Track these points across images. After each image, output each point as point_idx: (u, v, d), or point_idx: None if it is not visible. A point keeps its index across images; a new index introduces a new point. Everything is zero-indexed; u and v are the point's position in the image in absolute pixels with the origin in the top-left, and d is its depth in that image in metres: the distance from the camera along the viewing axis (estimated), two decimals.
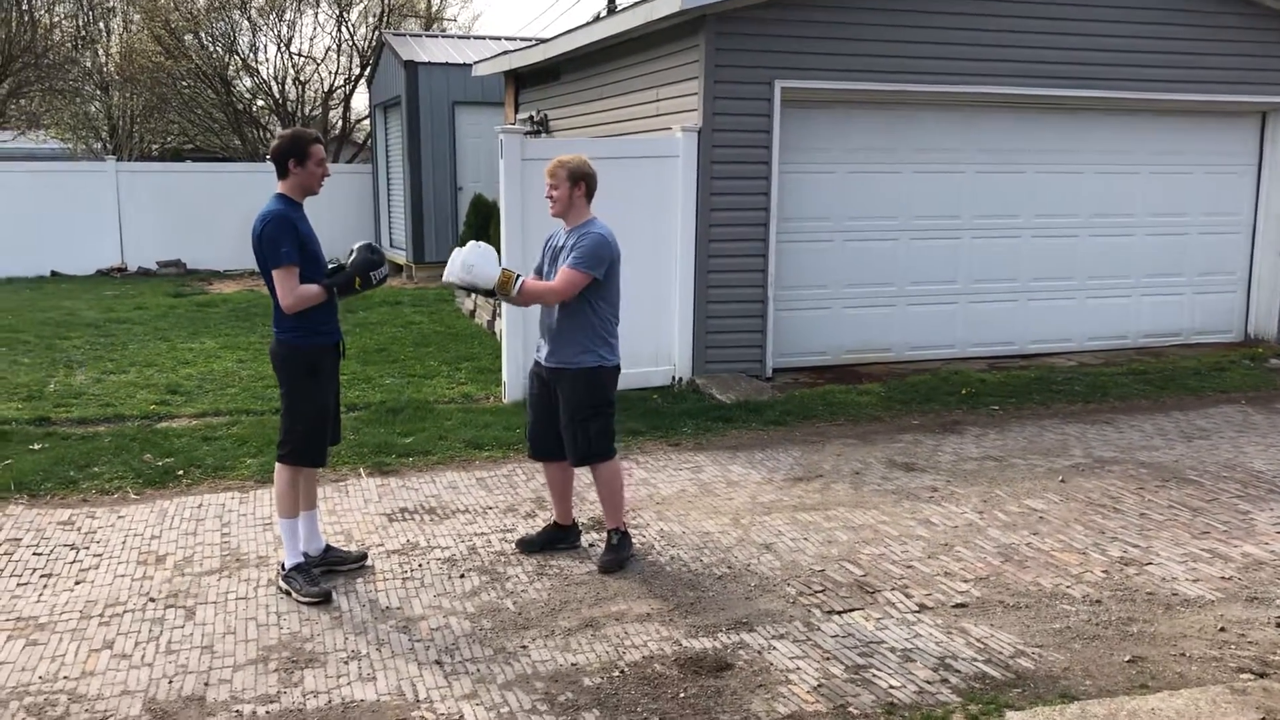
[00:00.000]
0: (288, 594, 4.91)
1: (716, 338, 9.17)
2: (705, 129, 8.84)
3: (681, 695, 4.05)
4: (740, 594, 5.00)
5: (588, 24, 10.79)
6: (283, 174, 4.88)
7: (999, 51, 9.53)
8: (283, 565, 5.02)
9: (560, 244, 5.27)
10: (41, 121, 24.74)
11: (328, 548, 5.26)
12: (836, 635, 4.57)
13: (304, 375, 4.92)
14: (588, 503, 6.21)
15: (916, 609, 4.84)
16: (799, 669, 4.26)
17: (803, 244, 9.62)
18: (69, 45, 24.91)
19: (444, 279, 5.12)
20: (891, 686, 4.12)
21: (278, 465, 5.01)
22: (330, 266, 5.00)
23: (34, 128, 25.14)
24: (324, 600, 4.85)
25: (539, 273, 5.37)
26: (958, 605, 4.87)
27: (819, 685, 4.13)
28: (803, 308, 9.72)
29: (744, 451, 7.36)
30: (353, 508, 6.19)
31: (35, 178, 18.11)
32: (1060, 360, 10.29)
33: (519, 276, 5.12)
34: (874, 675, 4.21)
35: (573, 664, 4.30)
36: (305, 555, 5.07)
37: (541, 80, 12.93)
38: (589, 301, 5.15)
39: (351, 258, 4.97)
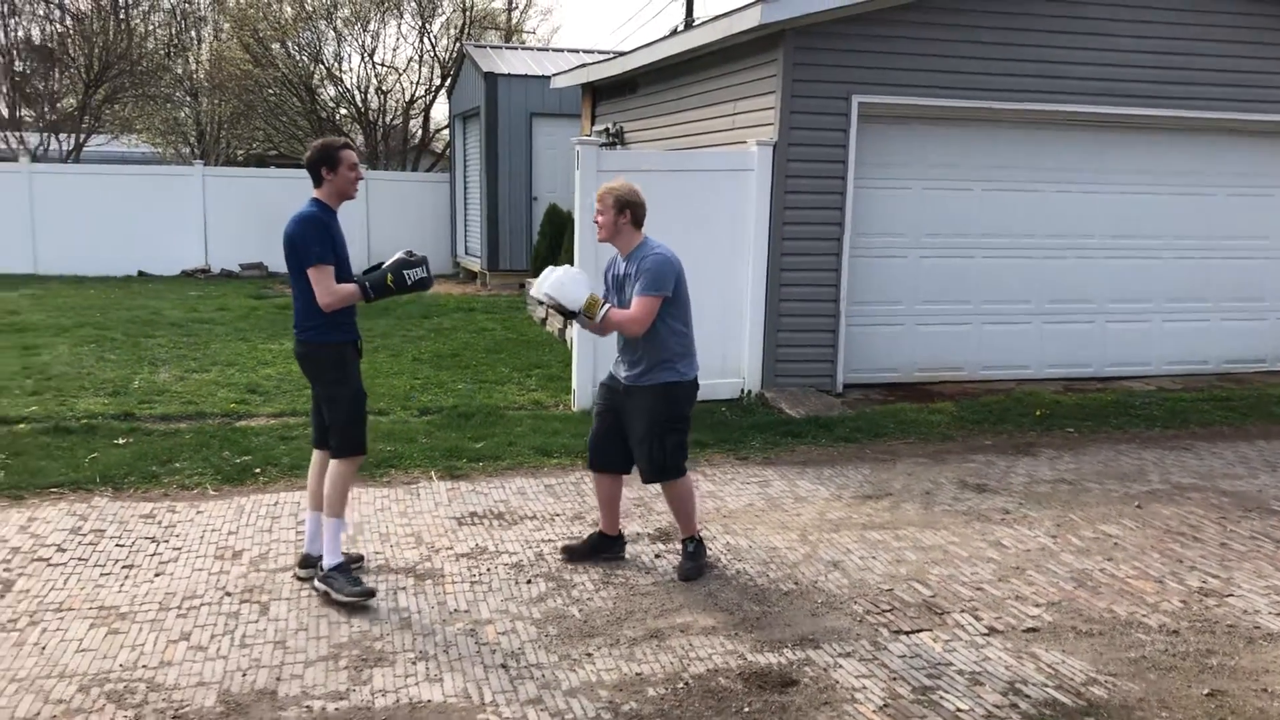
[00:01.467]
0: (326, 594, 4.92)
1: (787, 351, 9.14)
2: (781, 143, 8.83)
3: (746, 710, 4.04)
4: (807, 610, 4.97)
5: (665, 38, 10.86)
6: (318, 182, 4.96)
7: (1080, 69, 9.39)
8: (319, 567, 5.04)
9: (622, 272, 5.31)
10: (134, 126, 25.50)
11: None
12: (904, 655, 4.52)
13: (333, 368, 5.00)
14: (655, 513, 6.23)
15: (986, 632, 4.76)
16: (865, 688, 4.23)
17: (876, 259, 9.55)
18: (162, 53, 25.68)
19: (532, 292, 5.17)
20: (959, 710, 4.06)
21: (334, 463, 5.05)
22: (367, 268, 5.07)
23: (127, 132, 25.91)
24: (368, 598, 4.89)
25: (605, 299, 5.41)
26: (1028, 629, 4.79)
27: (885, 705, 4.09)
28: (875, 324, 9.64)
29: (813, 467, 7.32)
30: (423, 510, 6.27)
31: (127, 180, 18.69)
32: (1138, 384, 10.07)
33: (606, 304, 5.16)
34: (941, 697, 4.16)
35: (637, 674, 4.31)
36: (307, 555, 5.17)
37: (618, 93, 13.02)
38: (662, 319, 5.18)
39: (394, 257, 5.03)
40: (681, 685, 4.22)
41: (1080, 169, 9.96)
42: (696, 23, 11.32)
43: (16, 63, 24.04)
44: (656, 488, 5.63)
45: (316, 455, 5.23)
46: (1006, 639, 4.69)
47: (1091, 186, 10.03)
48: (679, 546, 5.51)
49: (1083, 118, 9.64)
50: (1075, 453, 7.82)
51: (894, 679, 4.31)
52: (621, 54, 12.48)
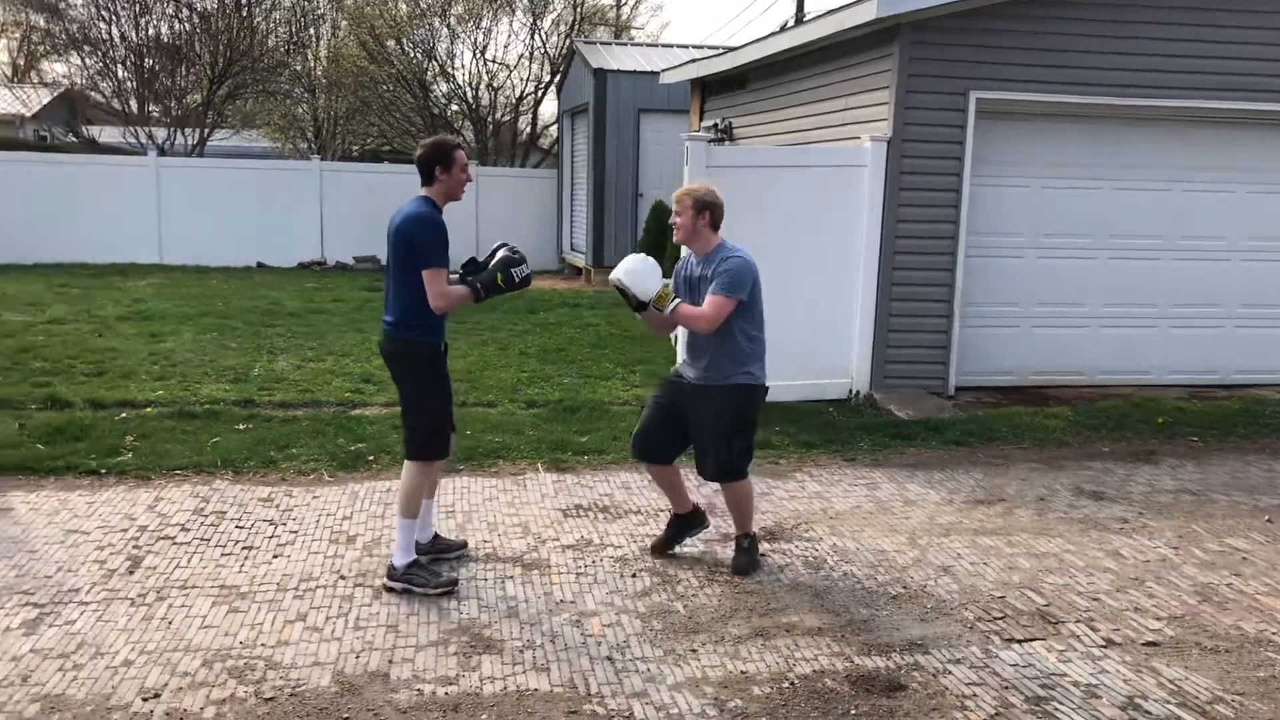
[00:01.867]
0: (407, 592, 4.90)
1: (897, 352, 8.99)
2: (895, 139, 8.69)
3: (853, 713, 3.98)
4: (915, 615, 4.88)
5: (776, 33, 10.78)
6: (428, 180, 4.92)
7: (1212, 64, 9.02)
8: (392, 567, 4.97)
9: (697, 273, 5.27)
10: (254, 121, 26.32)
11: (435, 536, 5.40)
12: (1016, 664, 4.41)
13: (428, 370, 4.98)
14: (759, 511, 6.19)
15: (1103, 644, 4.62)
16: (975, 695, 4.13)
17: (992, 259, 9.33)
18: (281, 50, 26.45)
19: (609, 276, 5.16)
20: None
21: (407, 464, 5.02)
22: (464, 263, 5.06)
23: (247, 127, 26.76)
24: (453, 587, 4.95)
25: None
26: (1148, 643, 4.63)
27: (996, 714, 4.00)
28: (989, 325, 9.41)
29: (922, 470, 7.19)
30: (530, 501, 6.34)
31: (247, 174, 19.29)
32: (1268, 392, 9.63)
33: (676, 298, 5.15)
34: (1055, 709, 4.04)
35: (742, 672, 4.29)
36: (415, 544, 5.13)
37: (727, 88, 12.96)
38: (736, 323, 5.15)
39: (496, 257, 5.01)
40: (787, 685, 4.18)
41: (1211, 167, 9.56)
42: (808, 18, 11.21)
43: (146, 60, 24.99)
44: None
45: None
46: (1125, 652, 4.54)
47: (1223, 185, 9.62)
48: (773, 545, 5.47)
49: (1214, 114, 9.26)
50: (1199, 462, 7.53)
51: (1006, 688, 4.20)
52: (731, 49, 12.43)
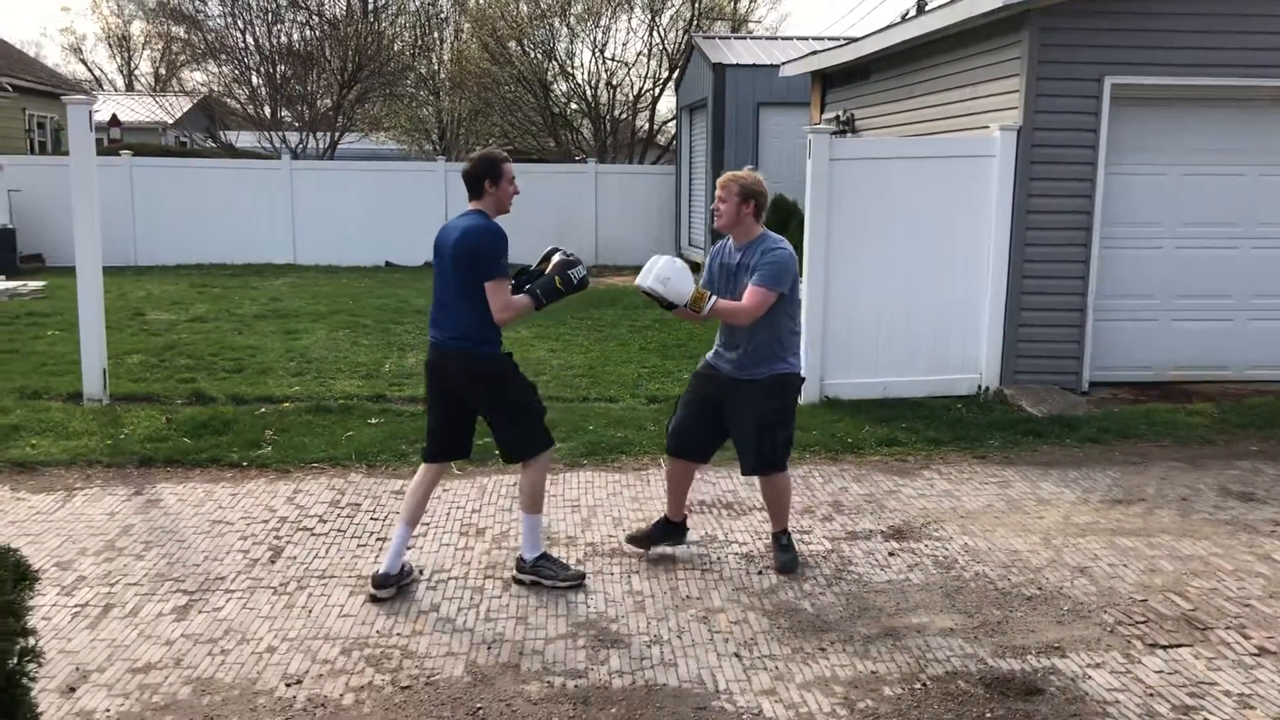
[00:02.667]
0: (536, 583, 4.96)
1: (1028, 347, 8.74)
2: (1025, 128, 8.45)
3: (988, 716, 3.89)
4: (1051, 617, 4.74)
5: (899, 22, 10.58)
6: (478, 194, 4.86)
7: None
8: (521, 560, 5.04)
9: (736, 261, 5.15)
10: (382, 124, 27.04)
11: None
12: (1161, 671, 4.25)
13: (513, 375, 4.93)
14: (888, 510, 6.10)
15: (1256, 652, 4.41)
16: (1118, 702, 3.99)
17: (1128, 250, 8.98)
18: (407, 54, 27.13)
19: (637, 283, 4.98)
20: None
21: (529, 466, 4.99)
22: (515, 272, 4.97)
23: (375, 130, 27.51)
24: (581, 581, 5.01)
25: (709, 286, 5.25)
26: None
27: None
28: (1125, 319, 9.07)
29: (1056, 469, 6.98)
30: (653, 497, 6.36)
31: (375, 176, 19.84)
32: None
33: (712, 295, 5.03)
34: (1206, 719, 3.87)
35: (872, 672, 4.23)
36: (386, 574, 4.92)
37: (848, 80, 12.79)
38: (779, 315, 5.07)
39: (551, 262, 4.94)
40: (919, 686, 4.11)
41: None
42: (932, 6, 10.96)
43: (278, 67, 25.92)
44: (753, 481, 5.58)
45: (426, 470, 5.08)
46: None
47: None
48: (902, 544, 5.37)
49: None
50: None
51: (1150, 695, 4.05)
52: (853, 40, 12.26)
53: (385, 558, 4.97)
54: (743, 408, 5.17)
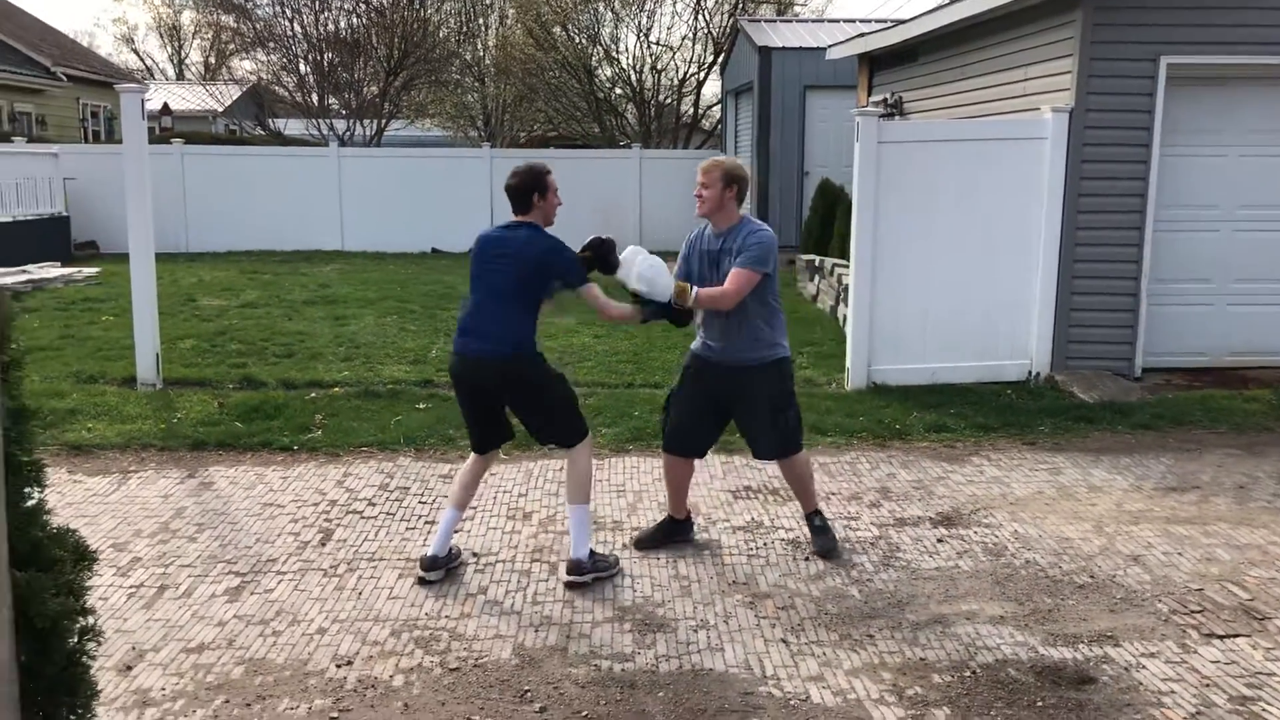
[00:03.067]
0: (597, 581, 4.85)
1: (1080, 331, 8.61)
2: (1078, 109, 8.31)
3: (1039, 704, 3.85)
4: (1104, 606, 4.68)
5: (950, 3, 10.42)
6: (525, 207, 4.89)
7: None
8: (578, 562, 4.84)
9: (719, 248, 5.09)
10: (427, 111, 27.16)
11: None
12: (1217, 661, 4.17)
13: (550, 367, 5.02)
14: (936, 497, 6.05)
15: None
16: (1173, 692, 3.93)
17: (1183, 234, 8.81)
18: (452, 41, 27.22)
19: (619, 276, 5.00)
20: None
21: (575, 452, 4.95)
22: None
23: (421, 117, 27.65)
24: (618, 565, 5.04)
25: (688, 278, 5.18)
26: None
27: (1197, 713, 3.79)
28: (1180, 303, 8.90)
29: (1108, 455, 6.88)
30: (699, 482, 6.33)
31: (421, 163, 19.93)
32: None
33: (693, 287, 4.97)
34: (1264, 710, 3.81)
35: (921, 658, 4.19)
36: (434, 556, 4.95)
37: (896, 62, 12.64)
38: (765, 296, 5.05)
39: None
40: (969, 674, 4.07)
41: None
42: None
43: (326, 54, 26.12)
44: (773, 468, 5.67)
45: (476, 459, 5.10)
46: None
47: None
48: (951, 531, 5.32)
49: None
50: None
51: (1207, 685, 3.98)
52: (901, 22, 12.11)
53: (434, 540, 5.01)
54: (749, 395, 5.14)
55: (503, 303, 4.81)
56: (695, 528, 5.52)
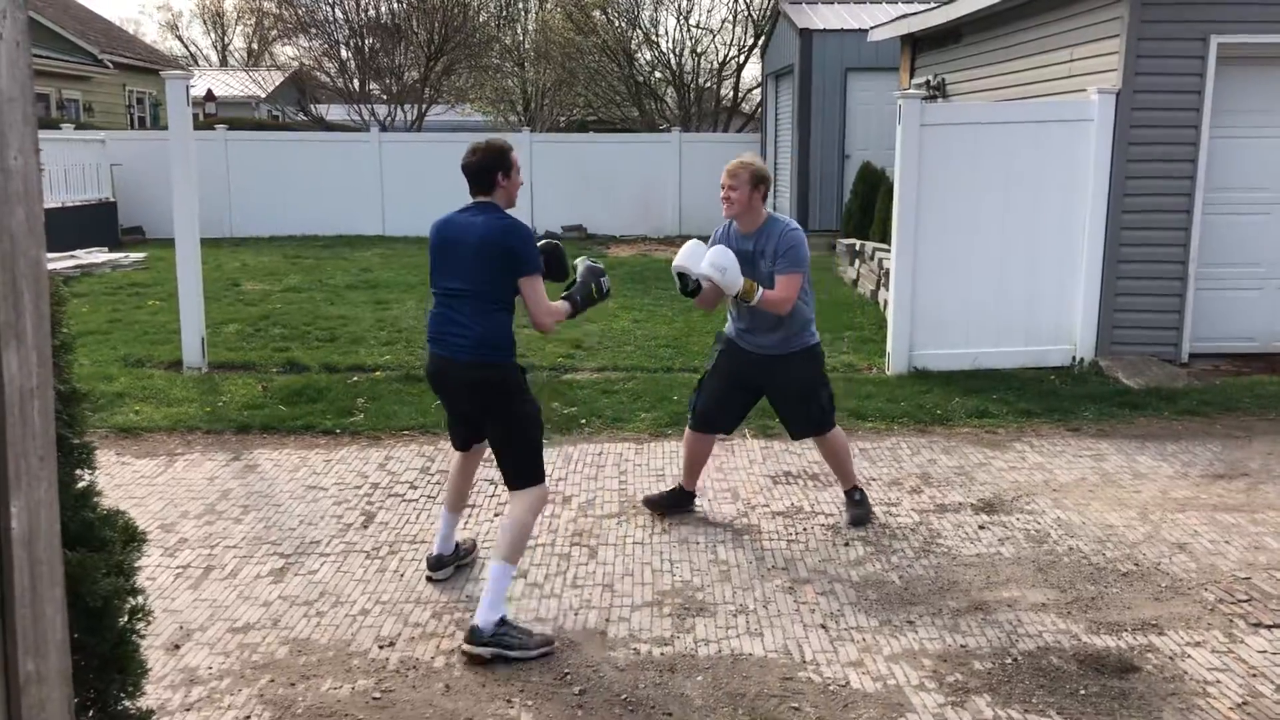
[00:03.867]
0: (498, 658, 4.01)
1: (1125, 316, 8.50)
2: (1125, 90, 8.17)
3: (1081, 693, 3.82)
4: (1148, 594, 4.63)
5: None
6: (489, 188, 4.36)
7: None
8: (475, 629, 4.05)
9: (750, 248, 5.14)
10: (467, 96, 27.21)
11: (457, 545, 4.92)
12: (1265, 651, 4.12)
13: (521, 388, 4.37)
14: (978, 483, 6.00)
15: None
16: (1219, 682, 3.89)
17: (1232, 217, 8.66)
18: (492, 25, 27.23)
19: (684, 265, 5.03)
20: None
21: (521, 496, 4.31)
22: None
23: (461, 102, 27.71)
24: (550, 646, 4.13)
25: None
26: None
27: (1243, 703, 3.74)
28: (1228, 288, 8.75)
29: (1153, 442, 6.79)
30: (738, 467, 6.36)
31: (461, 148, 19.50)
32: None
33: (759, 287, 5.06)
34: None
35: (962, 645, 4.17)
36: (440, 555, 4.76)
37: (939, 43, 12.50)
38: (801, 293, 5.21)
39: (580, 269, 4.65)
40: (1010, 661, 4.05)
41: None
42: None
43: (367, 40, 26.24)
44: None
45: (460, 457, 4.83)
46: None
47: None
48: (992, 517, 5.28)
49: None
50: None
51: (1254, 676, 3.93)
52: (945, 2, 11.96)
53: (435, 541, 4.84)
54: (785, 381, 5.35)
55: (476, 298, 4.26)
56: (734, 513, 5.53)
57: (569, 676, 3.94)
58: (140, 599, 2.55)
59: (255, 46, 40.39)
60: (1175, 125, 8.28)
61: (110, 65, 25.52)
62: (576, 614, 4.45)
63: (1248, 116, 8.53)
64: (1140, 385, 7.86)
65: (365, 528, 5.41)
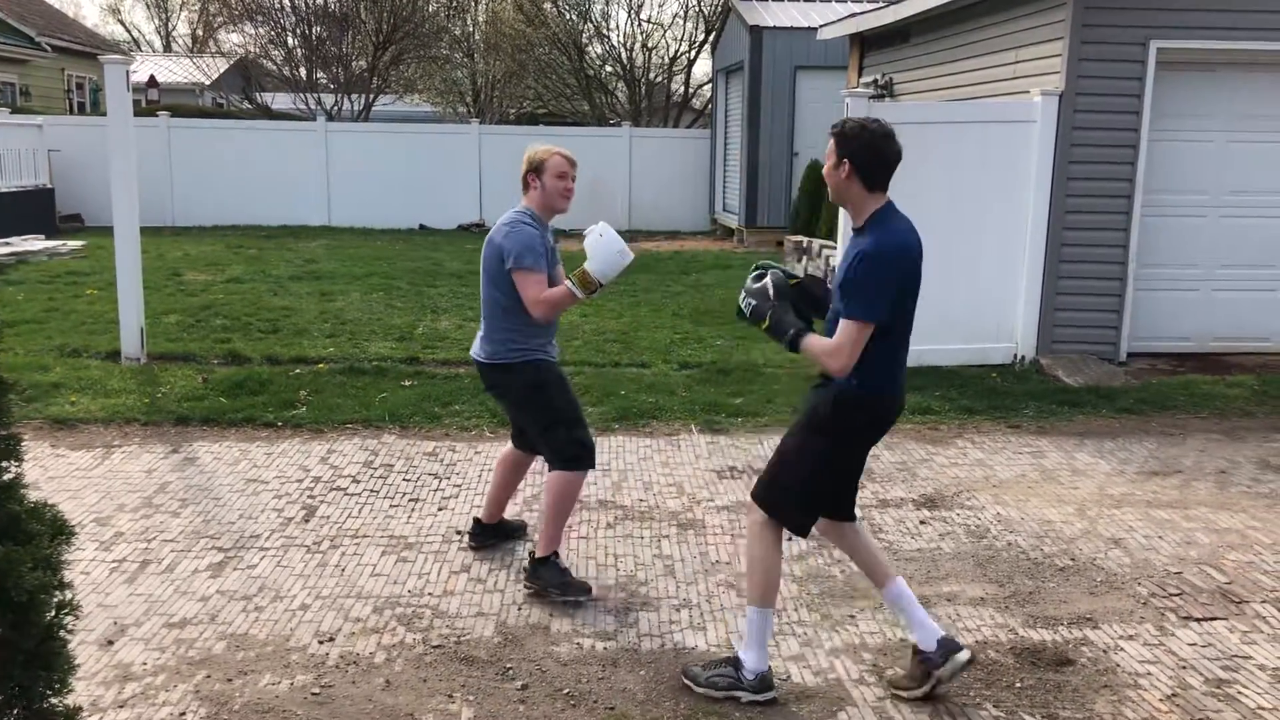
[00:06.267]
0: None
1: (1066, 315, 8.63)
2: (1068, 93, 8.30)
3: (1018, 685, 3.87)
4: (1084, 588, 4.70)
5: None
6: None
7: None
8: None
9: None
10: (416, 86, 26.96)
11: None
12: (1194, 644, 4.21)
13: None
14: (919, 479, 6.06)
15: None
16: (1150, 674, 3.96)
17: (1170, 219, 8.83)
18: (442, 15, 27.01)
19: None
20: (1261, 707, 3.74)
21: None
22: None
23: (410, 92, 27.45)
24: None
25: None
26: None
27: (1173, 694, 3.82)
28: (1165, 288, 8.93)
29: (1092, 439, 6.91)
30: (684, 462, 6.37)
31: (409, 139, 19.82)
32: None
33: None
34: (1239, 692, 3.84)
35: (901, 639, 4.21)
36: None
37: (888, 43, 12.61)
38: None
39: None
40: None
41: None
42: None
43: (314, 28, 25.89)
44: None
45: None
46: None
47: None
48: (933, 513, 5.34)
49: None
50: None
51: (1183, 667, 4.02)
52: (893, 2, 12.06)
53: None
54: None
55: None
56: (680, 505, 5.53)
57: (511, 671, 3.92)
58: (69, 594, 2.49)
59: (200, 33, 39.71)
60: (1116, 128, 8.42)
61: (49, 49, 24.93)
62: (520, 609, 4.43)
63: (1186, 120, 8.70)
64: (1079, 383, 7.99)
65: (306, 522, 5.34)
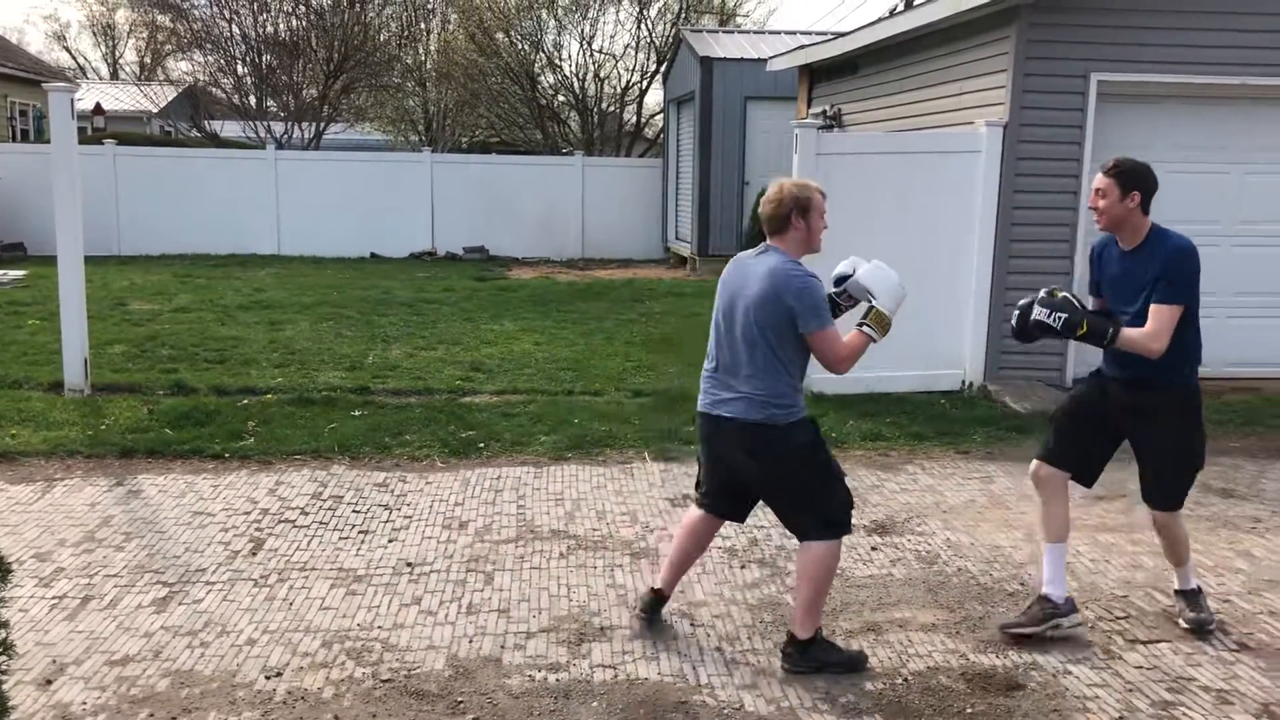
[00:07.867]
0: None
1: (1012, 342, 8.67)
2: (1012, 124, 8.46)
3: (969, 711, 3.89)
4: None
5: (889, 16, 10.58)
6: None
7: None
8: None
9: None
10: (367, 115, 26.86)
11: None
12: (1141, 666, 4.26)
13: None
14: (870, 505, 6.10)
15: (1235, 648, 4.43)
16: (1098, 697, 4.01)
17: None
18: (393, 44, 26.97)
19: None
20: None
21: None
22: None
23: (361, 120, 27.33)
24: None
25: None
26: None
27: (1120, 717, 3.87)
28: None
29: None
30: (637, 490, 6.36)
31: (361, 167, 19.73)
32: None
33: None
34: (1184, 714, 3.89)
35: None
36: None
37: (836, 74, 12.78)
38: None
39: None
40: (900, 681, 4.11)
41: None
42: (918, 1, 10.88)
43: (264, 56, 25.73)
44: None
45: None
46: (1260, 657, 4.35)
47: None
48: (884, 539, 5.36)
49: None
50: None
51: (1130, 690, 4.06)
52: (841, 34, 12.25)
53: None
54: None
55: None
56: (634, 534, 5.52)
57: (462, 705, 3.88)
58: (4, 633, 2.43)
59: (148, 60, 39.32)
60: (1059, 158, 8.59)
61: None
62: (471, 641, 4.39)
63: (1125, 151, 8.82)
64: (1026, 409, 8.10)
65: (254, 555, 5.26)
